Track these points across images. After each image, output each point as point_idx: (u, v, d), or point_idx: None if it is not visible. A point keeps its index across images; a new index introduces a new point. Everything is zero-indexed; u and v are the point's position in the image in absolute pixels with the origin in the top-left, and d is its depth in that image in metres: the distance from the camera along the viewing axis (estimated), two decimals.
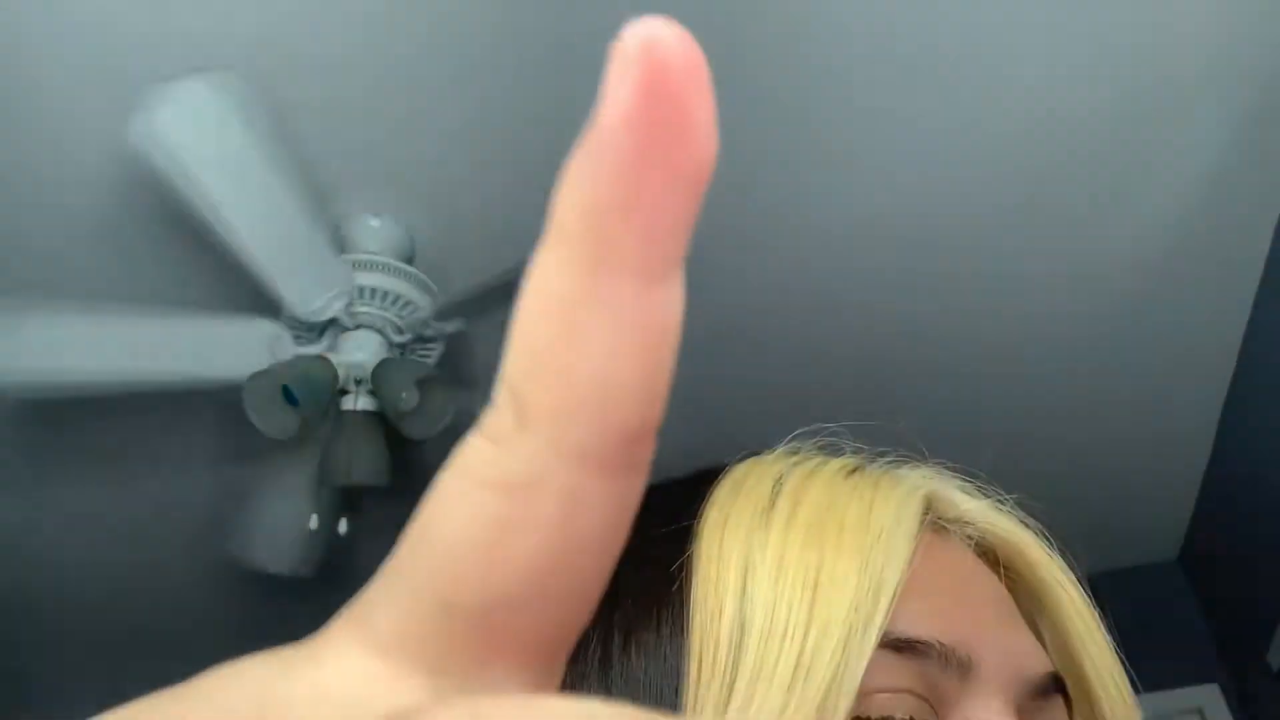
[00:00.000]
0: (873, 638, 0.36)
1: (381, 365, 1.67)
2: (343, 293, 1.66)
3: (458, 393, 1.65)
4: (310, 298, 1.62)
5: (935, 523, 0.44)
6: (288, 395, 1.58)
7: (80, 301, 1.63)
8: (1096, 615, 0.46)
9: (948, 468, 0.48)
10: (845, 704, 0.35)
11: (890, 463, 0.47)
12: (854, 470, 0.45)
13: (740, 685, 0.36)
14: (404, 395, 1.60)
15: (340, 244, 1.76)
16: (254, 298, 1.65)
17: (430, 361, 1.80)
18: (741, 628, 0.37)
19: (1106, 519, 2.60)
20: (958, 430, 2.31)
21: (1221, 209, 1.87)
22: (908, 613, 0.38)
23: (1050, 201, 1.83)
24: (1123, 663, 0.46)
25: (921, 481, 0.45)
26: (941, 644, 0.38)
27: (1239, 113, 1.71)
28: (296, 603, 2.26)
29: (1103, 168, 1.78)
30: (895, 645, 0.37)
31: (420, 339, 1.76)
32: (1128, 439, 2.38)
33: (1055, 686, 0.41)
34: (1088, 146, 1.75)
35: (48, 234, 1.74)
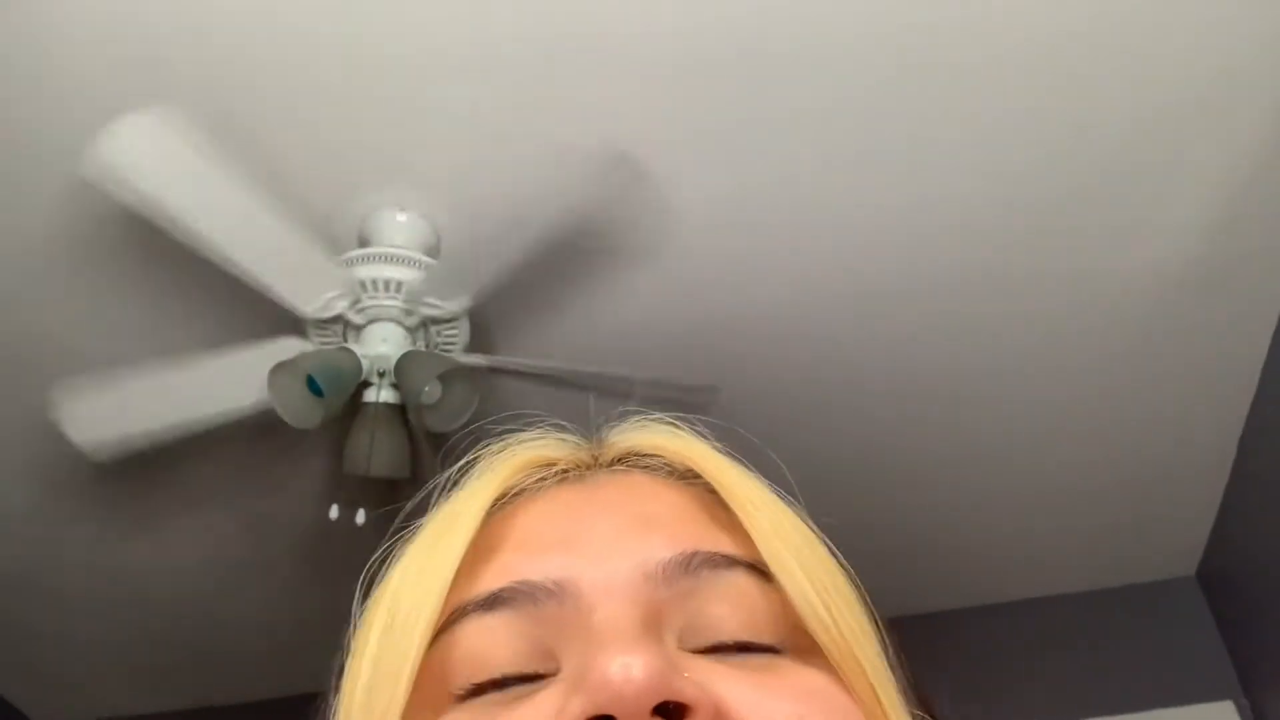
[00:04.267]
0: (426, 617, 0.38)
1: (404, 358, 1.68)
2: (343, 292, 1.68)
3: (480, 386, 1.66)
4: (308, 300, 1.66)
5: (565, 475, 0.46)
6: (312, 385, 1.60)
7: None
8: (769, 495, 0.44)
9: (645, 417, 0.49)
10: (402, 687, 0.37)
11: (542, 432, 0.49)
12: (472, 463, 0.47)
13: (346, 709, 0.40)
14: (426, 389, 1.62)
15: (365, 239, 1.78)
16: (275, 320, 1.70)
17: (456, 347, 1.81)
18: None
19: (1125, 535, 2.59)
20: (975, 446, 2.31)
21: (1244, 225, 1.86)
22: (489, 572, 0.40)
23: (1070, 217, 1.83)
24: (850, 574, 0.44)
25: (517, 450, 0.47)
26: (518, 583, 0.39)
27: (1261, 129, 1.70)
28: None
29: (1124, 184, 1.78)
30: (481, 605, 0.39)
31: (435, 321, 1.77)
32: (1147, 455, 2.36)
33: (707, 562, 0.40)
34: (1108, 163, 1.74)
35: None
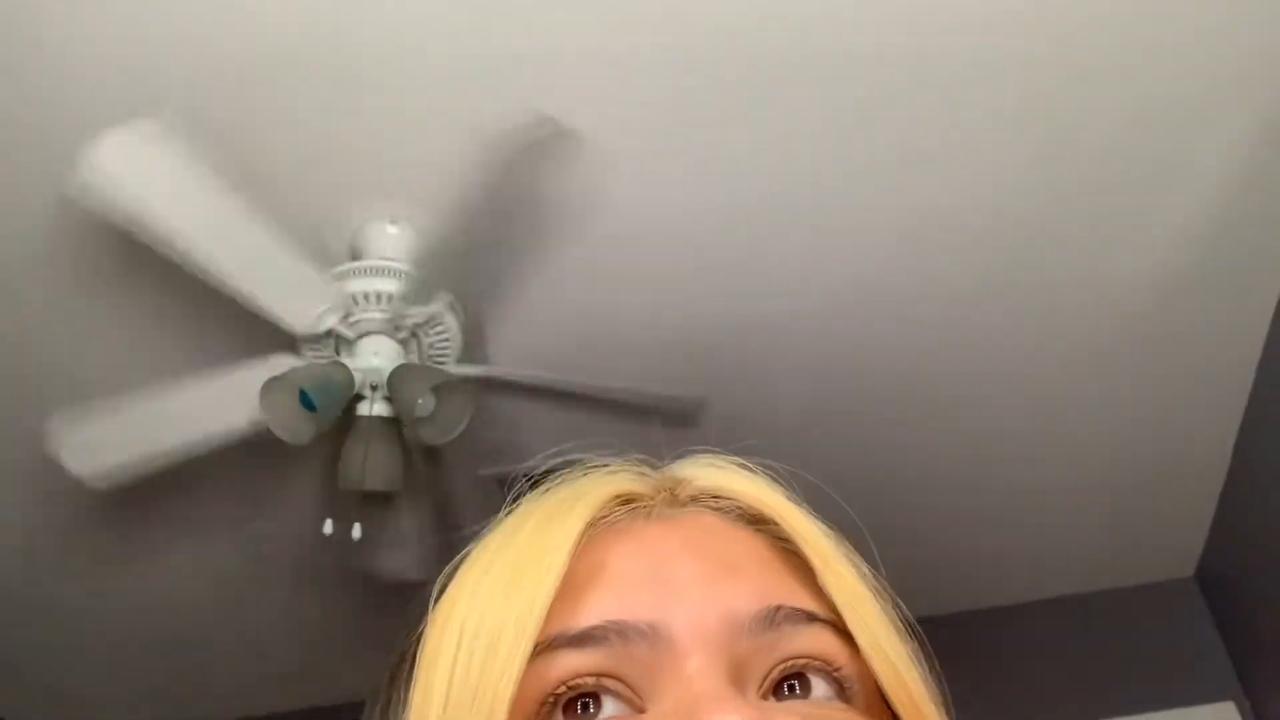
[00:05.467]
0: (524, 647, 0.39)
1: (397, 371, 1.68)
2: (334, 306, 1.68)
3: (474, 398, 1.66)
4: (299, 315, 1.65)
5: (646, 509, 0.47)
6: (304, 400, 1.59)
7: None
8: (841, 550, 0.45)
9: (707, 451, 0.50)
10: (501, 710, 0.38)
11: (606, 469, 0.49)
12: (547, 491, 0.48)
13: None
14: (420, 401, 1.61)
15: (356, 252, 1.77)
16: (267, 337, 1.69)
17: (449, 358, 1.80)
18: (448, 677, 0.40)
19: (1123, 536, 2.59)
20: (972, 450, 2.31)
21: (1238, 227, 1.86)
22: (581, 609, 0.41)
23: (1065, 219, 1.83)
24: (898, 608, 0.46)
25: (601, 481, 0.47)
26: (611, 623, 0.40)
27: (1255, 130, 1.70)
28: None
29: (1117, 185, 1.78)
30: (573, 642, 0.40)
31: (423, 328, 1.76)
32: (1144, 456, 2.36)
33: (789, 618, 0.41)
34: (1102, 164, 1.74)
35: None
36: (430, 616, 0.43)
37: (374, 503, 1.89)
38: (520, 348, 1.98)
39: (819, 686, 0.41)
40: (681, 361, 2.03)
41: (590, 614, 0.40)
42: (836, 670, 0.41)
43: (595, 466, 0.49)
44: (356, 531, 1.85)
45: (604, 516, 0.45)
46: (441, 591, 0.44)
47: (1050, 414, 2.24)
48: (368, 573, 1.95)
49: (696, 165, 1.71)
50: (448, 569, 0.45)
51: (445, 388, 1.63)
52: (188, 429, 1.73)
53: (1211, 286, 1.97)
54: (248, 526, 2.36)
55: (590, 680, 0.39)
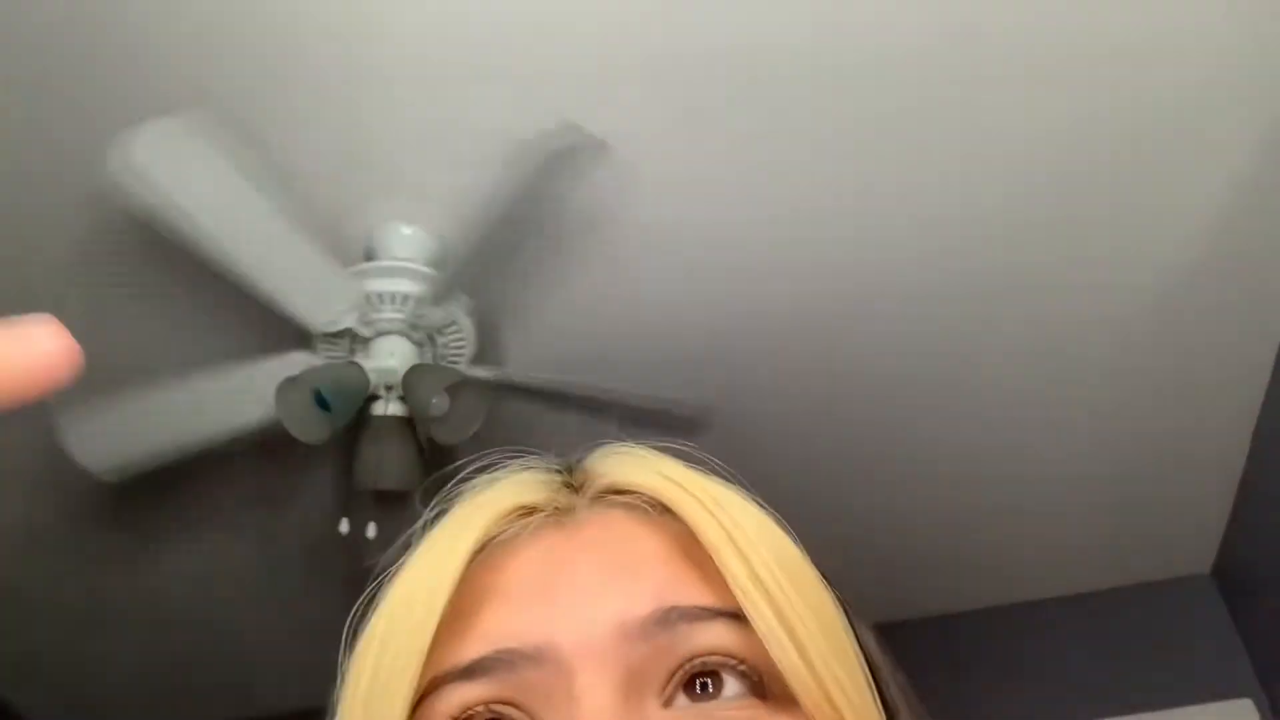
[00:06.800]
0: (406, 690, 0.39)
1: (412, 371, 1.68)
2: (353, 305, 1.68)
3: (488, 399, 1.66)
4: (318, 313, 1.65)
5: (546, 517, 0.45)
6: (320, 400, 1.60)
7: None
8: (752, 529, 0.42)
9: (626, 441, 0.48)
10: None
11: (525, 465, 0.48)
12: (441, 513, 0.46)
13: None
14: (434, 401, 1.62)
15: (371, 252, 1.78)
16: (281, 333, 1.69)
17: (464, 357, 1.80)
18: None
19: (1139, 532, 2.57)
20: (987, 447, 2.30)
21: (1255, 223, 1.85)
22: (468, 638, 0.40)
23: (1082, 209, 1.82)
24: (827, 582, 0.43)
25: (500, 494, 0.46)
26: (499, 651, 0.39)
27: (1268, 126, 1.69)
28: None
29: (1136, 174, 1.77)
30: (462, 675, 0.39)
31: (439, 330, 1.76)
32: (1160, 452, 2.35)
33: (685, 616, 0.39)
34: (1121, 152, 1.74)
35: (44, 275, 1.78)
36: (345, 655, 0.43)
37: (389, 502, 1.90)
38: (535, 353, 1.98)
39: (729, 684, 0.39)
40: (695, 367, 2.03)
41: (477, 644, 0.40)
42: (740, 665, 0.39)
43: (509, 470, 0.48)
44: (371, 531, 1.86)
45: (499, 533, 0.44)
46: (361, 617, 0.44)
47: (1064, 410, 2.23)
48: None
49: (720, 175, 1.71)
50: (366, 593, 0.44)
51: (459, 388, 1.63)
52: (201, 423, 1.73)
53: (1230, 278, 1.96)
54: (261, 525, 2.37)
55: (482, 709, 0.39)
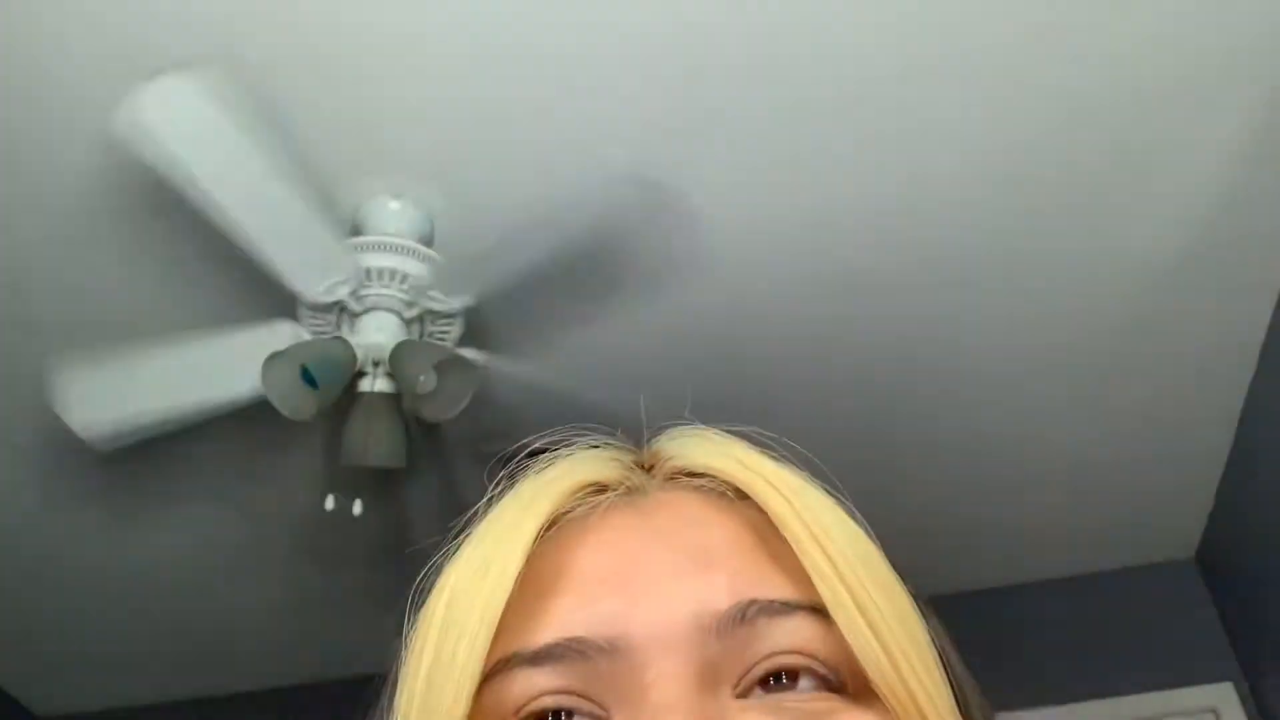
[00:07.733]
0: (472, 670, 0.38)
1: (399, 347, 1.67)
2: (348, 278, 1.67)
3: (475, 375, 1.65)
4: (313, 283, 1.64)
5: (619, 496, 0.44)
6: (306, 376, 1.59)
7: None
8: (829, 519, 0.42)
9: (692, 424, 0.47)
10: None
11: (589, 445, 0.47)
12: (518, 484, 0.45)
13: None
14: (421, 378, 1.61)
15: (358, 226, 1.76)
16: (265, 299, 1.67)
17: (449, 340, 1.79)
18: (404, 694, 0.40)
19: (1123, 516, 2.59)
20: (972, 431, 2.31)
21: (1242, 206, 1.85)
22: (539, 622, 0.39)
23: (1068, 200, 1.82)
24: (905, 583, 0.43)
25: (568, 470, 0.45)
26: (570, 640, 0.38)
27: (1256, 111, 1.69)
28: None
29: (1118, 166, 1.77)
30: (530, 660, 0.38)
31: (434, 315, 1.76)
32: (1145, 437, 2.36)
33: (764, 610, 0.38)
34: (1102, 145, 1.73)
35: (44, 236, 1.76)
36: (408, 628, 0.42)
37: (375, 478, 1.90)
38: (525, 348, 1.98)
39: (805, 678, 0.38)
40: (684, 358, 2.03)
41: (548, 628, 0.39)
42: (815, 660, 0.38)
43: (578, 448, 0.46)
44: (357, 507, 1.85)
45: (569, 510, 0.43)
46: (422, 591, 0.43)
47: (1050, 394, 2.23)
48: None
49: (700, 149, 1.70)
50: (429, 566, 0.43)
51: (447, 365, 1.63)
52: (184, 392, 1.70)
53: (1216, 266, 1.96)
54: (247, 500, 2.36)
55: (550, 699, 0.38)
